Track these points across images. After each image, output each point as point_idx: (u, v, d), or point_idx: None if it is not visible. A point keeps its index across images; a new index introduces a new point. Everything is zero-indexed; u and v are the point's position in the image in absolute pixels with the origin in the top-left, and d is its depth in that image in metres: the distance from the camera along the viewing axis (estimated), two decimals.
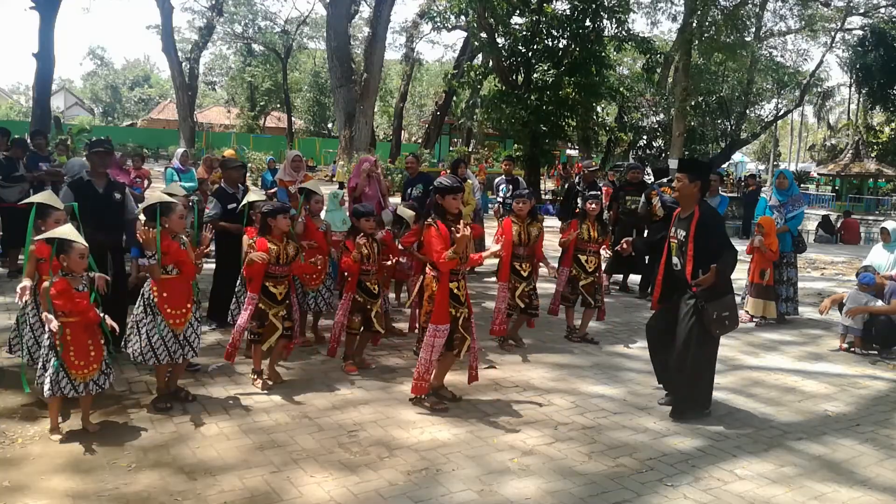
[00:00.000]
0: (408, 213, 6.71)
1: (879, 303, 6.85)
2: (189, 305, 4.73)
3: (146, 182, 11.57)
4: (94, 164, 5.88)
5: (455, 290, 4.82)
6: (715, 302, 4.76)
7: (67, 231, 4.25)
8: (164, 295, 4.60)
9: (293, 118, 46.62)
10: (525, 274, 6.38)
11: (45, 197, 4.87)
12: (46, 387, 4.13)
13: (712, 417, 4.99)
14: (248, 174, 13.15)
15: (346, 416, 4.69)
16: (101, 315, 4.24)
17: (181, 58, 35.70)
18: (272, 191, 9.74)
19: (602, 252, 6.84)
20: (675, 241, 4.99)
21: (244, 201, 6.31)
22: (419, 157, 9.94)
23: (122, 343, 5.17)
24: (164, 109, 54.68)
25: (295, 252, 5.31)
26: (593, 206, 6.74)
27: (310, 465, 3.96)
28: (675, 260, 4.98)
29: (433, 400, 4.91)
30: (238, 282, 5.90)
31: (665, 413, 5.02)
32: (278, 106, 49.60)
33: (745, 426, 4.87)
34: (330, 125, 50.92)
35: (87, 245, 4.23)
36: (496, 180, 10.84)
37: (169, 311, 4.61)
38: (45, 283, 4.14)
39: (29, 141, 9.83)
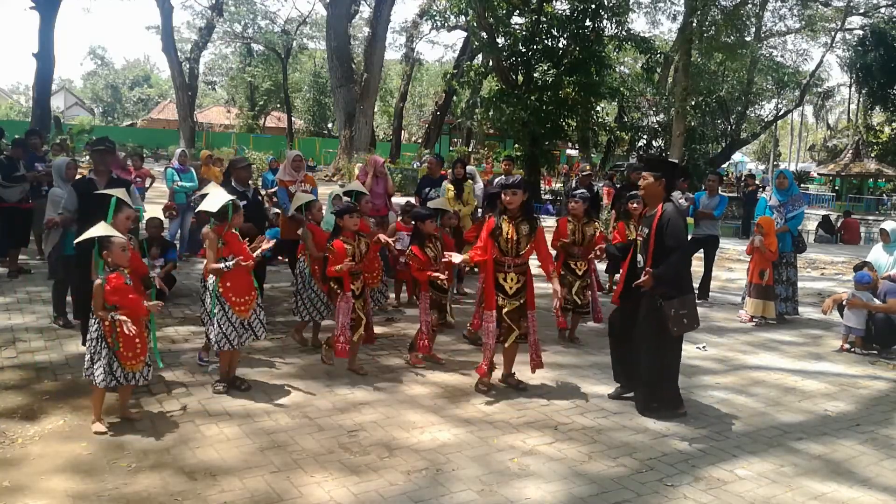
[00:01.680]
0: (439, 202, 6.86)
1: (877, 301, 6.86)
2: (253, 294, 5.02)
3: (148, 181, 11.58)
4: (94, 163, 5.99)
5: (501, 281, 5.17)
6: (673, 300, 4.74)
7: (103, 228, 4.37)
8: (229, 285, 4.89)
9: (293, 118, 46.62)
10: (580, 272, 6.62)
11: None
12: (99, 377, 4.23)
13: (712, 417, 5.00)
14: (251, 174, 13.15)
15: (347, 417, 4.69)
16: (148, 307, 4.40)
17: (181, 58, 35.69)
18: (272, 190, 9.75)
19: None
20: (640, 238, 5.00)
21: (296, 203, 6.61)
22: (442, 158, 9.93)
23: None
24: (164, 109, 54.67)
25: (367, 248, 5.60)
26: (574, 205, 6.80)
27: (310, 466, 3.96)
28: (639, 258, 5.00)
29: (487, 384, 5.26)
30: (297, 279, 6.17)
31: (665, 413, 5.02)
32: (278, 106, 49.60)
33: (745, 426, 4.87)
34: (330, 125, 50.92)
35: (125, 239, 4.37)
36: (496, 181, 10.83)
37: (234, 298, 4.89)
38: (98, 281, 4.25)
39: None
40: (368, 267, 5.75)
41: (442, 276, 5.58)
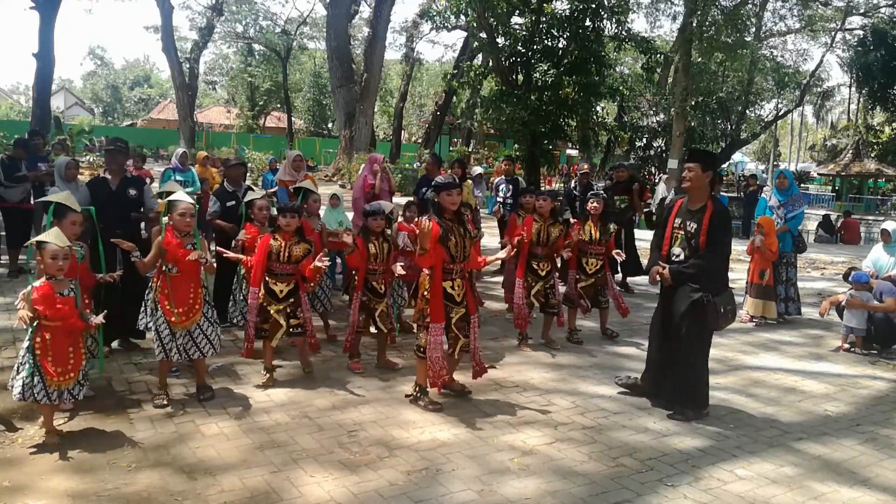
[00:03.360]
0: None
1: (875, 302, 6.87)
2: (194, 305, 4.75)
3: (147, 181, 11.56)
4: (106, 162, 6.17)
5: (449, 290, 4.85)
6: (721, 296, 4.77)
7: (53, 234, 4.16)
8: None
9: (293, 118, 46.62)
10: (543, 273, 6.43)
11: (63, 197, 4.86)
12: (17, 389, 4.02)
13: (712, 417, 4.99)
14: (247, 174, 13.15)
15: (346, 416, 4.69)
16: (87, 321, 4.16)
17: (181, 58, 35.68)
18: (272, 190, 9.74)
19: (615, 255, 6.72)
20: (682, 232, 4.93)
21: (244, 199, 6.36)
22: (440, 158, 9.92)
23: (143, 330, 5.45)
24: (164, 109, 54.67)
25: (304, 253, 5.31)
26: (595, 204, 6.75)
27: (310, 465, 3.96)
28: (676, 250, 4.94)
29: (427, 400, 4.92)
30: (234, 280, 5.97)
31: (665, 413, 5.02)
32: (278, 106, 49.61)
33: (745, 426, 4.87)
34: (330, 125, 50.92)
35: (61, 247, 4.08)
36: (496, 180, 10.82)
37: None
38: (26, 289, 4.04)
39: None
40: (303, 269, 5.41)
41: (346, 243, 5.45)
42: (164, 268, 4.68)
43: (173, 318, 4.64)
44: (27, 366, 4.01)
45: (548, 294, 6.45)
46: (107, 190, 5.83)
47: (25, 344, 4.08)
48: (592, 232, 6.69)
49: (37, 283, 4.05)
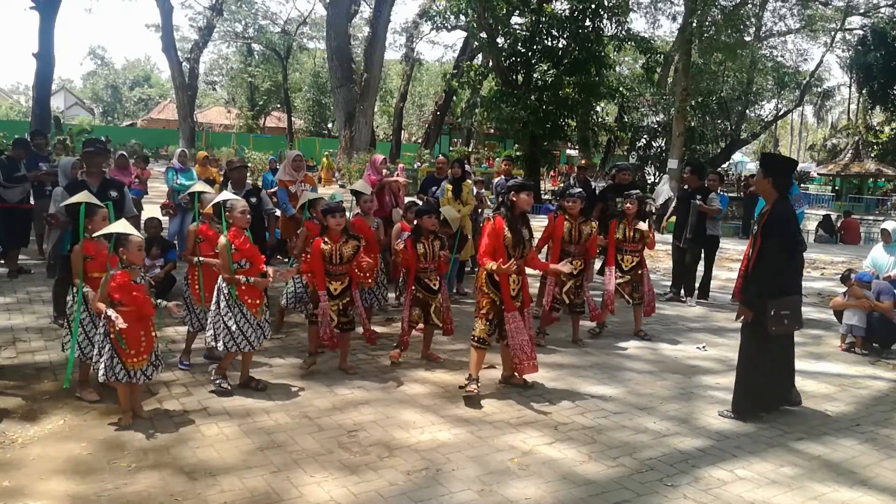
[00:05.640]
0: (452, 215, 6.60)
1: (871, 296, 6.88)
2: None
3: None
4: (86, 164, 5.99)
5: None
6: (777, 300, 4.75)
7: (123, 225, 4.41)
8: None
9: (293, 118, 46.61)
10: (575, 272, 6.49)
11: (85, 196, 4.87)
12: (101, 372, 4.31)
13: (712, 417, 4.99)
14: (248, 174, 13.16)
15: (347, 417, 4.69)
16: (157, 305, 4.46)
17: (181, 58, 35.67)
18: (272, 190, 9.74)
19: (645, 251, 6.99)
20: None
21: (302, 201, 6.51)
22: (448, 157, 9.92)
23: None
24: (164, 109, 54.67)
25: (354, 251, 5.48)
26: (629, 205, 6.89)
27: (310, 466, 3.96)
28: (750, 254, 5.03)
29: (475, 387, 5.06)
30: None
31: (665, 413, 5.03)
32: (278, 106, 49.59)
33: (745, 426, 4.87)
34: (330, 125, 50.90)
35: (143, 237, 4.45)
36: (496, 181, 10.82)
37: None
38: (104, 276, 4.33)
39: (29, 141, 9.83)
40: (358, 267, 5.59)
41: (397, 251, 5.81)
42: (236, 265, 4.87)
43: (255, 311, 4.90)
44: (107, 349, 4.30)
45: (576, 292, 6.56)
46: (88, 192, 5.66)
47: (101, 330, 4.36)
48: (627, 230, 6.86)
49: (114, 272, 4.30)
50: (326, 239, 5.42)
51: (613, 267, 6.90)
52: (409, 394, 5.18)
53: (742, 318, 4.94)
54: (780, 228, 4.79)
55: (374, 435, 4.42)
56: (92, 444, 4.11)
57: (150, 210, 9.71)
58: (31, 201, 8.80)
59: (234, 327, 4.84)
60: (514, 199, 5.09)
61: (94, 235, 4.56)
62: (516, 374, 5.29)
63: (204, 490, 3.65)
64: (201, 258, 5.28)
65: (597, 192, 10.12)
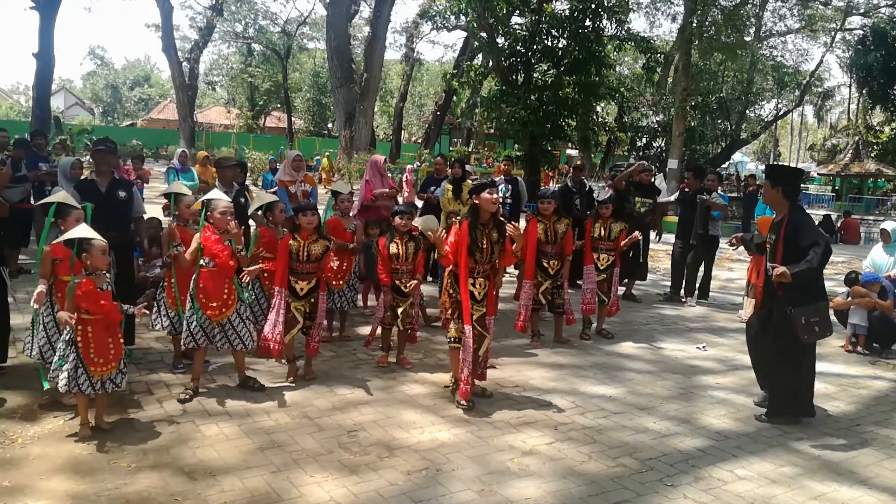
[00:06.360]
0: (432, 226, 6.34)
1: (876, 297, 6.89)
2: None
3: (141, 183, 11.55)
4: (95, 163, 5.97)
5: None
6: (805, 307, 4.72)
7: (84, 230, 4.31)
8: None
9: (293, 118, 46.61)
10: (552, 272, 6.51)
11: (62, 197, 4.87)
12: (62, 382, 4.14)
13: (712, 417, 5.00)
14: (248, 174, 13.16)
15: (347, 417, 4.69)
16: (124, 312, 4.35)
17: (181, 57, 35.66)
18: (272, 190, 9.74)
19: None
20: (769, 245, 5.00)
21: (257, 203, 6.26)
22: (447, 157, 9.91)
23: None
24: (164, 109, 54.69)
25: (323, 250, 5.38)
26: (604, 210, 6.95)
27: (310, 466, 3.96)
28: (769, 265, 4.96)
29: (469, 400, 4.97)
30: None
31: (665, 413, 5.03)
32: (278, 106, 49.60)
33: (745, 426, 4.87)
34: (330, 125, 50.91)
35: (106, 241, 4.30)
36: (496, 180, 10.80)
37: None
38: (69, 283, 4.21)
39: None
40: (326, 268, 5.50)
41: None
42: (201, 262, 4.83)
43: (209, 312, 4.81)
44: (70, 358, 4.13)
45: (554, 293, 6.53)
46: (96, 192, 5.67)
47: (66, 337, 4.18)
48: (602, 230, 6.91)
49: (78, 280, 4.16)
50: (296, 235, 5.30)
51: (592, 266, 6.90)
52: (409, 394, 5.18)
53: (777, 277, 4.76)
54: (800, 234, 4.75)
55: (374, 435, 4.42)
56: (92, 443, 4.11)
57: (151, 210, 9.70)
58: (32, 201, 8.79)
59: (193, 324, 4.82)
60: (476, 201, 4.94)
61: (55, 241, 4.47)
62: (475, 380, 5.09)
63: (204, 490, 3.65)
64: (176, 250, 5.08)
65: (594, 192, 10.07)
